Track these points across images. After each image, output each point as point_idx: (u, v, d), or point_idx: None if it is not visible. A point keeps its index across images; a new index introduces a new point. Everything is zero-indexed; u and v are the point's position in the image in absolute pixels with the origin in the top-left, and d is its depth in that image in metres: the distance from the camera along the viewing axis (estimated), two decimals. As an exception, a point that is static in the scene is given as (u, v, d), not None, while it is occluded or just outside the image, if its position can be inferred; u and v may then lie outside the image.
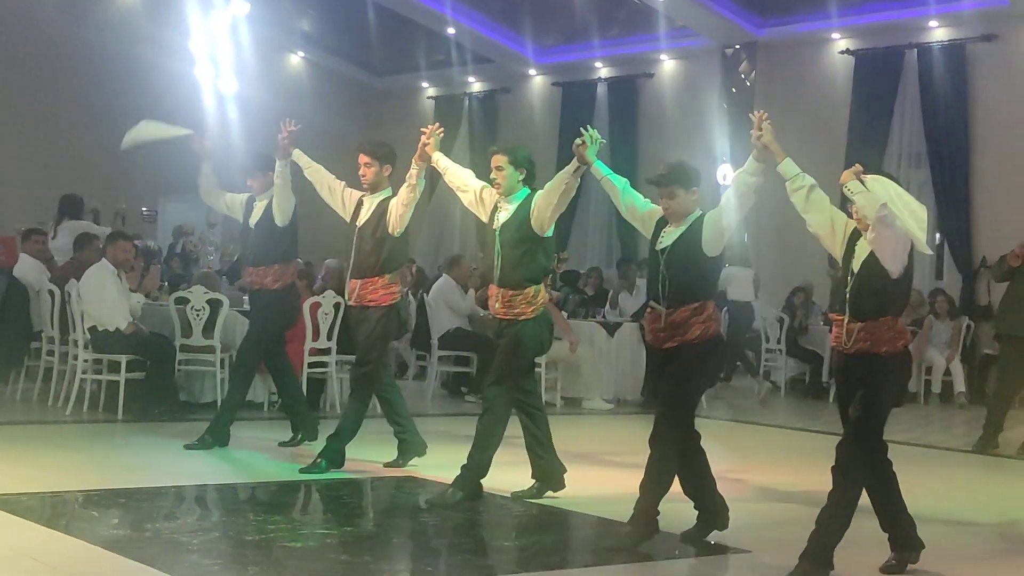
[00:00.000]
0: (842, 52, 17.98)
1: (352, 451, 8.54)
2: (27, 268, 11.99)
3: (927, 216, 5.83)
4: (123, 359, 10.30)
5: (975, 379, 15.64)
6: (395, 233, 8.14)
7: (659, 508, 6.32)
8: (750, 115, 6.23)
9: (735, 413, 13.42)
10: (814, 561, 5.78)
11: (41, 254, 12.39)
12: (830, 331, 6.07)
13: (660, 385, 6.46)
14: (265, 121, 20.28)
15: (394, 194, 8.20)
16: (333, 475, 8.17)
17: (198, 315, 10.80)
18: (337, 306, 11.13)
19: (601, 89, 20.72)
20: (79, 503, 6.92)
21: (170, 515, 6.84)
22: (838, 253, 6.00)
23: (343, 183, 8.56)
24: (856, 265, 5.87)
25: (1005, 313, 11.00)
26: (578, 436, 7.80)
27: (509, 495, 7.52)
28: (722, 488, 6.60)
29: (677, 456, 6.34)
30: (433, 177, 8.88)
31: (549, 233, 7.41)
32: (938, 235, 16.41)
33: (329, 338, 11.16)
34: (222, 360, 10.81)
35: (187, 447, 8.87)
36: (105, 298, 10.43)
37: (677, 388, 6.34)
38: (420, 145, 7.91)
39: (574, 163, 7.03)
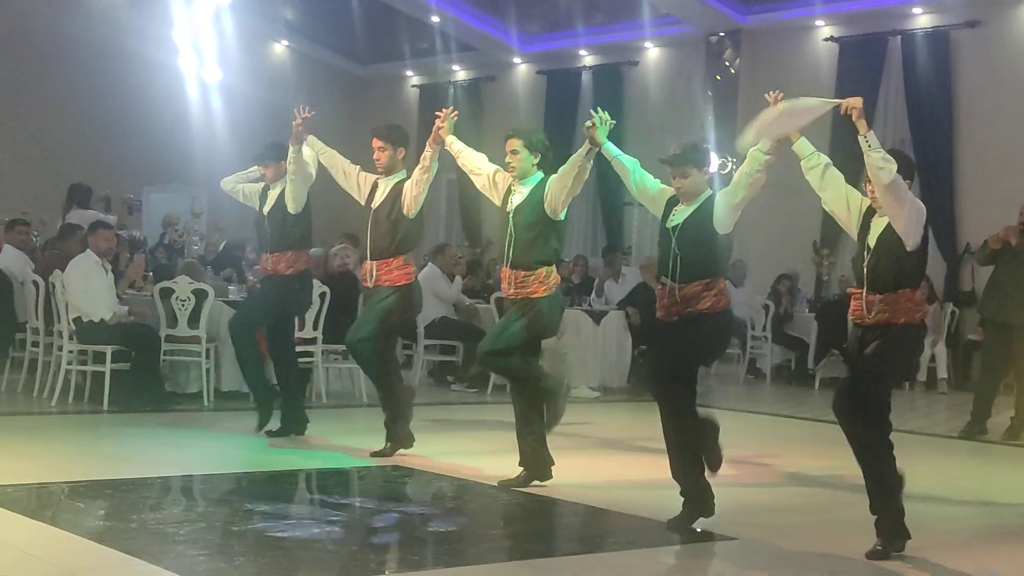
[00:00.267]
0: (826, 39, 18.00)
1: (339, 439, 8.55)
2: (11, 259, 11.95)
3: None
4: (108, 350, 10.28)
5: (960, 365, 15.71)
6: (410, 215, 8.31)
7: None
8: (765, 95, 6.26)
9: (719, 400, 13.44)
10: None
11: (25, 245, 12.37)
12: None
13: (666, 354, 6.55)
14: (249, 110, 20.46)
15: (408, 176, 8.36)
16: (325, 464, 8.18)
17: (183, 305, 10.78)
18: (323, 295, 11.12)
19: (586, 77, 20.72)
20: (65, 494, 6.90)
21: (156, 506, 6.83)
22: (853, 229, 6.12)
23: (358, 167, 8.69)
24: (872, 240, 5.99)
25: (989, 298, 11.04)
26: (564, 424, 7.79)
27: (496, 483, 7.53)
28: (707, 474, 6.62)
29: (696, 414, 6.50)
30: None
31: (562, 216, 7.52)
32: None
33: (315, 328, 11.15)
34: (207, 350, 10.80)
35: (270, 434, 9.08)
36: (89, 288, 10.40)
37: (687, 354, 6.47)
38: (435, 128, 8.08)
39: (586, 146, 7.12)
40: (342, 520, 6.65)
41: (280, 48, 23.43)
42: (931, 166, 16.44)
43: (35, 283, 10.98)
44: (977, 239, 13.00)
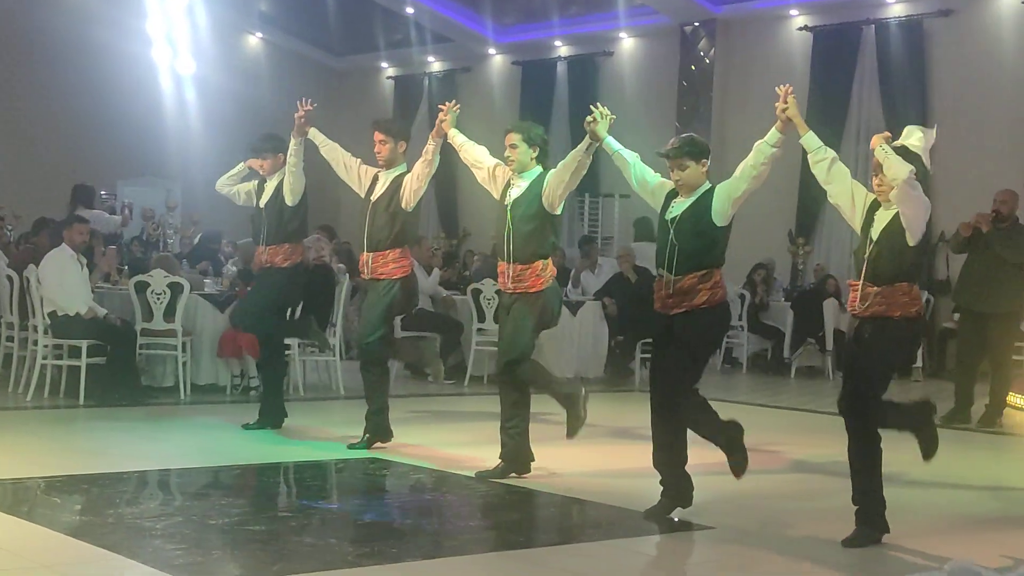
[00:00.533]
0: (800, 28, 18.05)
1: (316, 432, 8.52)
2: (-16, 254, 11.88)
3: None
4: (84, 344, 10.23)
5: (935, 353, 15.78)
6: (408, 208, 8.37)
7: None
8: (777, 89, 6.30)
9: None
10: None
11: (-3, 239, 12.30)
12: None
13: (665, 352, 6.57)
14: (223, 102, 20.40)
15: (408, 170, 8.39)
16: (302, 457, 8.17)
17: (159, 299, 10.74)
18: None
19: (561, 68, 20.72)
20: (41, 489, 6.87)
21: (133, 500, 6.80)
22: (856, 222, 6.19)
23: (359, 160, 8.74)
24: (875, 233, 6.06)
25: (963, 287, 11.09)
26: (541, 413, 7.81)
27: (474, 475, 7.53)
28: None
29: (702, 404, 6.54)
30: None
31: (560, 211, 7.61)
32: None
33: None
34: (183, 344, 10.76)
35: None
36: (65, 282, 10.35)
37: (685, 354, 6.49)
38: (437, 121, 8.14)
39: (586, 140, 7.18)
40: (320, 513, 6.65)
41: (254, 40, 23.34)
42: (905, 154, 16.48)
43: (9, 277, 10.92)
44: (951, 227, 13.05)
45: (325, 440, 8.80)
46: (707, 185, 6.58)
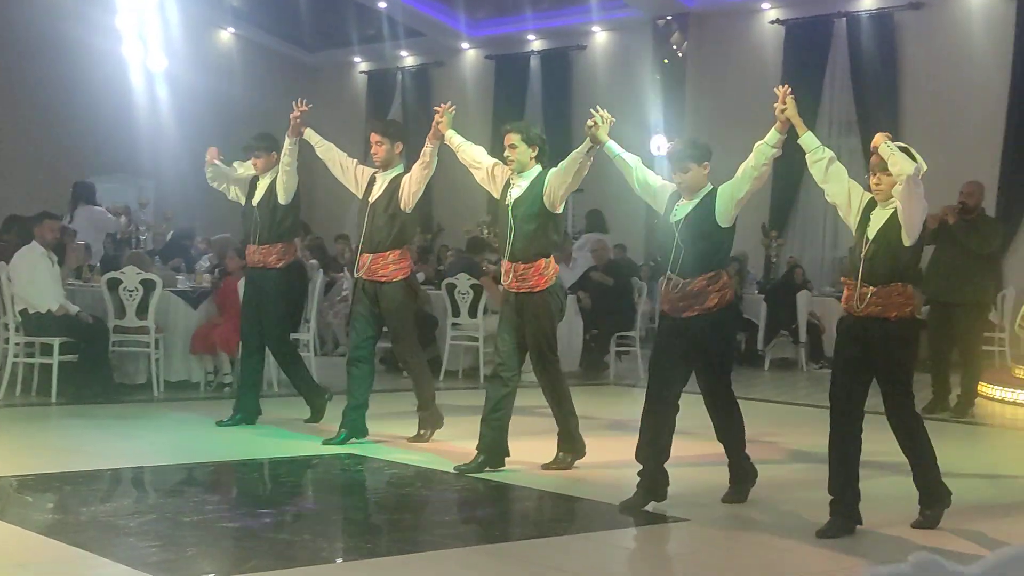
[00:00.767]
0: (772, 22, 18.11)
1: (292, 428, 8.47)
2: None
3: None
4: (56, 341, 10.18)
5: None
6: (407, 209, 8.39)
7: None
8: (775, 89, 6.37)
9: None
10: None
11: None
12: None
13: (671, 353, 6.66)
14: (195, 99, 20.30)
15: (406, 171, 8.40)
16: (277, 453, 8.15)
17: (131, 296, 10.69)
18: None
19: (534, 62, 20.72)
20: (13, 488, 6.83)
21: (106, 498, 6.78)
22: (852, 222, 6.23)
23: (355, 160, 8.77)
24: (872, 233, 6.11)
25: (930, 278, 11.14)
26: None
27: (453, 468, 7.53)
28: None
29: (735, 410, 6.85)
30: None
31: (561, 210, 7.69)
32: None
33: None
34: (156, 341, 10.71)
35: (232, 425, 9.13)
36: (36, 279, 10.29)
37: (720, 361, 6.80)
38: (434, 123, 8.17)
39: (587, 144, 7.26)
40: (295, 509, 6.63)
41: (226, 35, 23.23)
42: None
43: (-21, 276, 10.84)
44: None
45: (300, 436, 8.78)
46: (709, 187, 6.65)
